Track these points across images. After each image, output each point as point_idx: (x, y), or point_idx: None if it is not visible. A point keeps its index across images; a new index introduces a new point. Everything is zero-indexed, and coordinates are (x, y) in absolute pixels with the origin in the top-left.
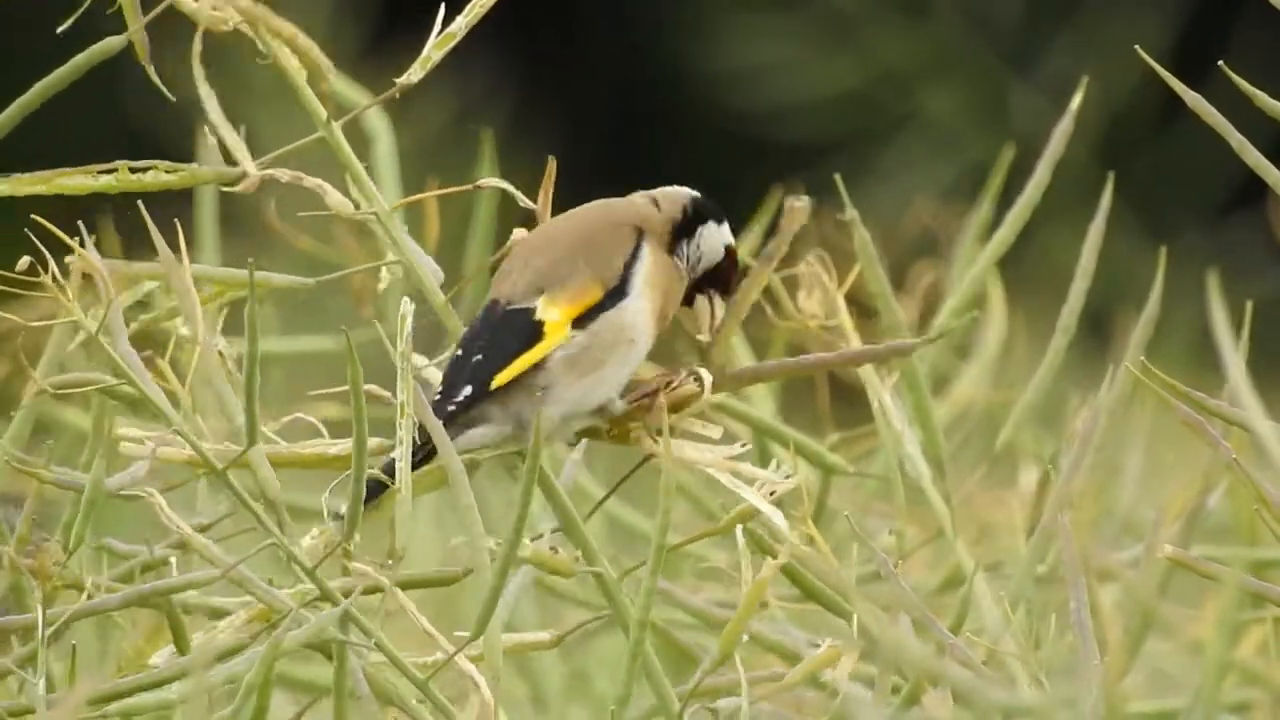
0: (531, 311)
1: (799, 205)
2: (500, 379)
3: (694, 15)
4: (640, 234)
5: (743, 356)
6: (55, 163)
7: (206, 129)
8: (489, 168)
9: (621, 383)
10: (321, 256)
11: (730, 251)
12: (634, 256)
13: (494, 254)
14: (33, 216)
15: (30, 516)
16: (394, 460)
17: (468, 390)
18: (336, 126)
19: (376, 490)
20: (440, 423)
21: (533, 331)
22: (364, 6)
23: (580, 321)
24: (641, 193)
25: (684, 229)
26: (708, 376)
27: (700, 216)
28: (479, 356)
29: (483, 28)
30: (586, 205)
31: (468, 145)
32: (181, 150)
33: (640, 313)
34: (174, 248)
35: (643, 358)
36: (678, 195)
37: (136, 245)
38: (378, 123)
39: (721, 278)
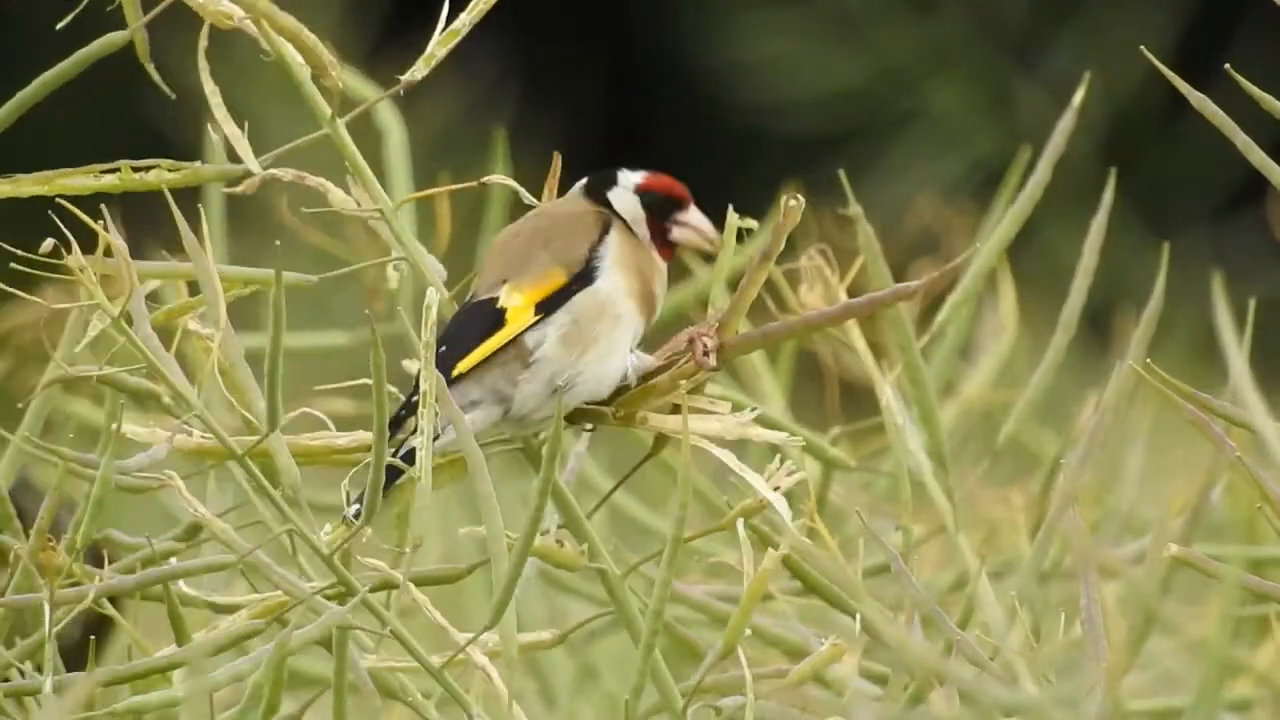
0: (494, 300)
1: (795, 204)
2: (462, 366)
3: (698, 10)
4: (607, 220)
5: (756, 359)
6: (66, 159)
7: (210, 125)
8: (502, 165)
9: (625, 358)
10: (331, 251)
11: (641, 189)
12: (600, 240)
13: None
14: (58, 200)
15: (53, 508)
16: (413, 449)
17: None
18: (341, 123)
19: (395, 476)
20: (460, 411)
21: (495, 318)
22: (374, 2)
23: (545, 305)
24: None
25: (609, 207)
26: (713, 342)
27: (602, 188)
28: (443, 348)
29: (486, 24)
30: (554, 201)
31: (475, 141)
32: (192, 144)
33: (615, 292)
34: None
35: (636, 336)
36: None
37: (145, 240)
38: (389, 118)
39: (667, 205)
